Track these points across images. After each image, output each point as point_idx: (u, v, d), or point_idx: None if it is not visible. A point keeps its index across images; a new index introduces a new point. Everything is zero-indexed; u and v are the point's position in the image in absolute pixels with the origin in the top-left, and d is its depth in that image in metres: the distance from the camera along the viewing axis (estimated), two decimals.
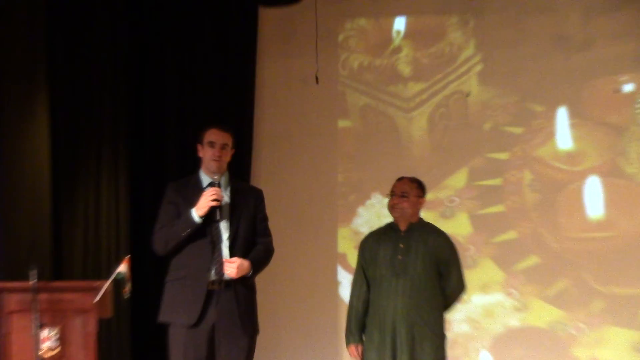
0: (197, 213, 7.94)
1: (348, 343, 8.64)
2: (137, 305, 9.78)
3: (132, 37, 10.79)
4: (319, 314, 11.24)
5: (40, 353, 8.08)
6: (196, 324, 7.98)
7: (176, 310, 8.09)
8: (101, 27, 10.45)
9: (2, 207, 9.07)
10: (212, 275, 8.01)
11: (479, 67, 11.48)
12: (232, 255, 8.07)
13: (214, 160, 8.10)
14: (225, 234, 8.09)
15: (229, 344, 8.04)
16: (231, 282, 8.06)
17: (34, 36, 9.74)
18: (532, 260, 11.30)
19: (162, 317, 8.16)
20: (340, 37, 11.65)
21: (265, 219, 8.37)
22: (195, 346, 8.02)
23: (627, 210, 11.30)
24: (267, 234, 8.40)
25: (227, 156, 8.22)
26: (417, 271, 8.50)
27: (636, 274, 11.19)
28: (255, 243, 8.27)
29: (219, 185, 8.05)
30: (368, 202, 11.37)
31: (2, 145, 9.15)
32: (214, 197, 7.92)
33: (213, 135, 8.16)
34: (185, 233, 8.00)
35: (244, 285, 8.16)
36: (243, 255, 8.12)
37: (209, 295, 8.01)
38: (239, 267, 7.97)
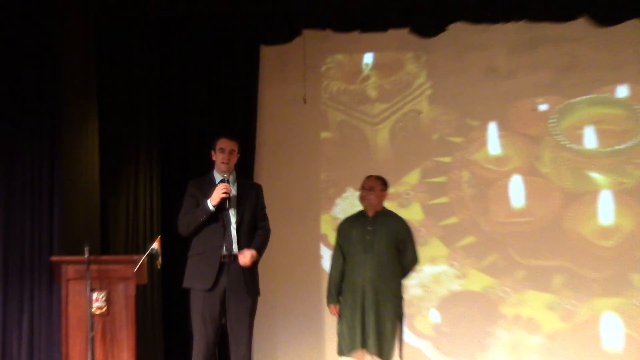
0: (211, 203, 8.11)
1: (328, 303, 8.98)
2: (166, 274, 9.85)
3: (163, 68, 10.86)
4: (305, 281, 11.25)
5: (92, 311, 8.25)
6: (211, 289, 8.13)
7: (196, 278, 8.25)
8: (139, 60, 10.58)
9: (62, 199, 9.03)
10: (224, 251, 8.16)
11: (428, 92, 11.51)
12: (238, 235, 8.19)
13: (224, 163, 8.27)
14: (233, 219, 8.22)
15: (237, 304, 8.20)
16: (238, 257, 8.19)
17: (88, 67, 9.75)
18: (469, 240, 11.40)
19: (185, 283, 8.31)
20: (323, 68, 11.64)
21: (264, 207, 8.50)
22: (210, 306, 8.15)
23: (542, 201, 11.35)
24: (265, 218, 8.47)
25: (234, 159, 8.38)
26: (381, 248, 8.83)
27: (549, 250, 11.20)
28: (256, 226, 8.37)
29: (228, 182, 8.17)
30: (344, 194, 11.40)
31: (63, 150, 9.11)
32: (224, 191, 8.08)
33: (223, 143, 8.34)
34: (202, 218, 8.15)
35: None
36: (248, 234, 8.27)
37: (221, 266, 8.16)
38: (250, 258, 8.14)
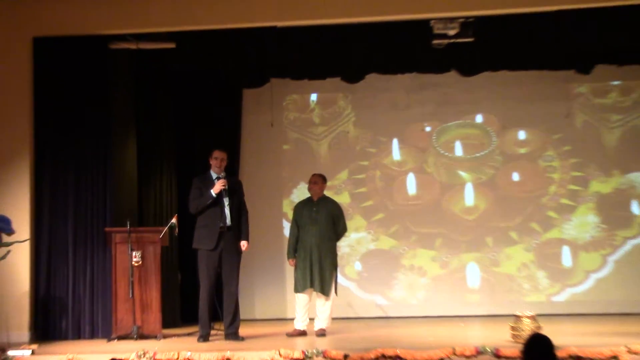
0: (213, 192, 8.34)
1: (288, 258, 9.12)
2: (181, 239, 9.60)
3: (176, 105, 10.71)
4: (272, 243, 11.06)
5: (132, 264, 8.58)
6: (213, 249, 8.35)
7: (202, 242, 8.45)
8: (163, 103, 10.44)
9: (112, 189, 9.17)
10: (221, 224, 8.38)
11: (353, 119, 11.42)
12: (230, 214, 8.42)
13: (217, 167, 8.50)
14: (226, 203, 8.44)
15: (229, 259, 8.48)
16: (231, 228, 8.37)
17: (128, 101, 9.96)
18: (380, 215, 11.29)
19: (195, 245, 8.52)
20: (284, 103, 11.44)
21: (243, 195, 8.69)
22: (212, 260, 8.40)
23: (427, 191, 11.29)
24: (244, 203, 8.68)
25: (224, 164, 8.60)
26: (322, 221, 8.97)
27: (432, 222, 11.18)
28: (240, 207, 8.56)
29: (224, 178, 8.42)
30: (298, 186, 11.16)
31: (112, 157, 9.30)
32: (223, 184, 8.35)
33: (216, 153, 8.58)
34: (208, 202, 8.35)
35: (238, 231, 8.51)
36: (236, 213, 8.47)
37: (220, 234, 8.38)
38: (247, 247, 8.48)
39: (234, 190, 8.67)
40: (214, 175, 8.63)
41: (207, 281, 8.48)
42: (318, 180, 9.18)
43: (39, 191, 9.11)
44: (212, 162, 8.65)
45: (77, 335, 8.98)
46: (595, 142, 11.16)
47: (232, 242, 8.55)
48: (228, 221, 8.51)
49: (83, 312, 9.04)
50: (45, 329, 8.93)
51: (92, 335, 8.97)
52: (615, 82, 11.17)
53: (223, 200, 8.54)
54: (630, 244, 10.99)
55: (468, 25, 9.16)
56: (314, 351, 7.24)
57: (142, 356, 7.32)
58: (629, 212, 11.04)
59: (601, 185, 11.12)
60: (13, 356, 7.63)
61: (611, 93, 11.19)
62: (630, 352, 6.97)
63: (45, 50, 9.16)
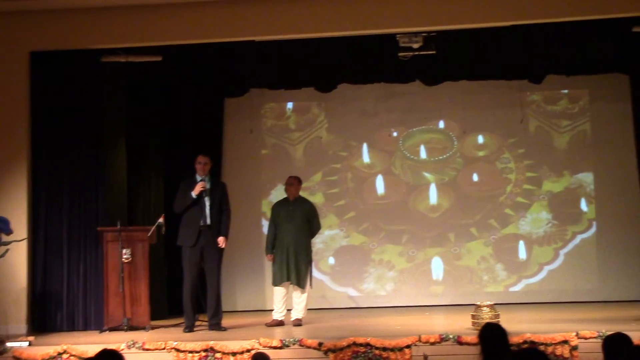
0: (193, 193, 8.36)
1: (266, 253, 9.11)
2: (168, 237, 9.28)
3: (166, 113, 10.67)
4: (252, 240, 11.02)
5: (122, 260, 8.53)
6: (193, 246, 8.35)
7: (184, 239, 8.45)
8: (154, 112, 10.40)
9: (104, 192, 9.16)
10: (202, 222, 8.37)
11: (326, 125, 11.40)
12: (210, 213, 8.41)
13: (201, 170, 8.49)
14: (207, 203, 8.43)
15: (211, 256, 8.50)
16: (211, 226, 8.36)
17: (119, 110, 9.91)
18: (351, 214, 11.26)
19: (178, 242, 8.50)
20: (262, 111, 11.40)
21: (226, 195, 8.67)
22: (194, 255, 8.39)
23: (394, 191, 11.26)
24: (228, 204, 8.67)
25: (208, 167, 8.61)
26: (298, 220, 8.96)
27: (399, 219, 11.17)
28: (222, 208, 8.54)
29: (204, 181, 8.42)
30: (276, 187, 11.08)
31: (104, 161, 9.32)
32: (202, 186, 8.36)
33: (200, 158, 8.58)
34: (188, 202, 8.35)
35: (217, 229, 8.49)
36: (216, 213, 8.45)
37: (200, 232, 8.38)
38: (224, 242, 8.45)
39: (216, 192, 8.66)
40: (199, 178, 8.64)
41: (189, 276, 8.48)
42: (294, 182, 9.19)
43: (36, 194, 9.08)
44: (197, 166, 8.65)
45: (71, 327, 8.96)
46: (547, 146, 11.22)
47: (213, 239, 8.53)
48: (208, 220, 8.50)
49: (77, 306, 9.03)
50: (41, 321, 8.91)
51: (85, 327, 8.95)
52: (565, 91, 11.23)
53: (204, 201, 8.53)
54: (579, 238, 11.05)
55: (431, 39, 9.24)
56: (291, 340, 7.28)
57: (131, 346, 7.35)
58: (579, 209, 11.11)
59: (553, 185, 11.16)
60: (11, 347, 7.63)
61: (561, 101, 11.25)
62: (579, 337, 7.07)
63: (42, 63, 9.15)
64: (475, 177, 11.33)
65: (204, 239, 8.48)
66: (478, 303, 8.00)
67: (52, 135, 9.17)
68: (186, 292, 8.49)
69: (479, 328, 7.13)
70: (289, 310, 8.99)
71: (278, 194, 10.81)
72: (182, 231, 8.55)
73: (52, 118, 9.18)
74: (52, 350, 7.41)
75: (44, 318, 8.92)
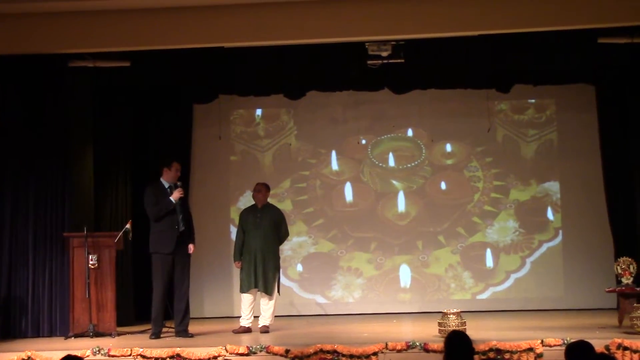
0: (173, 199, 8.36)
1: (234, 260, 9.09)
2: (135, 243, 9.45)
3: (135, 118, 10.62)
4: (220, 246, 11.03)
5: (88, 266, 8.47)
6: (169, 253, 8.34)
7: (159, 246, 8.37)
8: (119, 116, 10.34)
9: (70, 197, 9.07)
10: (178, 229, 8.40)
11: (295, 132, 11.43)
12: (182, 219, 8.41)
13: (175, 177, 8.53)
14: (179, 210, 8.44)
15: (181, 262, 8.49)
16: (184, 233, 8.38)
17: (87, 114, 9.76)
18: (320, 221, 11.31)
19: (152, 249, 8.41)
20: (231, 118, 11.43)
21: (187, 199, 8.76)
22: (167, 264, 8.37)
23: (363, 197, 11.31)
24: (189, 208, 8.79)
25: (178, 174, 8.62)
26: (266, 226, 8.96)
27: (368, 227, 11.21)
28: (189, 214, 8.63)
29: (176, 187, 8.44)
30: (244, 194, 11.07)
31: (71, 166, 9.23)
32: (181, 192, 8.41)
33: (177, 165, 8.58)
34: (170, 209, 8.34)
35: (187, 235, 8.49)
36: (186, 220, 8.46)
37: (176, 239, 8.38)
38: (193, 249, 8.49)
39: (185, 199, 8.78)
40: (166, 184, 8.61)
41: (161, 283, 8.44)
42: (262, 189, 9.19)
43: (1, 199, 9.01)
44: (171, 172, 8.62)
45: (36, 333, 8.90)
46: (514, 154, 11.33)
47: (184, 246, 8.54)
48: (181, 226, 8.52)
49: (42, 312, 8.97)
50: (5, 327, 8.81)
51: (51, 334, 8.90)
52: (532, 100, 11.35)
53: (177, 208, 8.55)
54: (545, 247, 11.16)
55: (400, 48, 9.29)
56: (258, 347, 7.29)
57: (97, 352, 7.33)
58: (545, 218, 11.22)
59: (520, 194, 11.27)
60: None
61: (528, 110, 11.36)
62: (544, 344, 7.13)
63: (7, 67, 9.06)
64: (443, 185, 11.39)
65: (176, 246, 8.46)
66: (445, 311, 8.03)
67: (19, 138, 9.10)
68: (157, 299, 8.43)
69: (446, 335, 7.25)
70: (256, 317, 8.97)
71: (246, 200, 10.77)
72: (156, 238, 8.47)
73: (19, 120, 9.12)
74: (15, 357, 7.33)
75: (9, 324, 8.83)
